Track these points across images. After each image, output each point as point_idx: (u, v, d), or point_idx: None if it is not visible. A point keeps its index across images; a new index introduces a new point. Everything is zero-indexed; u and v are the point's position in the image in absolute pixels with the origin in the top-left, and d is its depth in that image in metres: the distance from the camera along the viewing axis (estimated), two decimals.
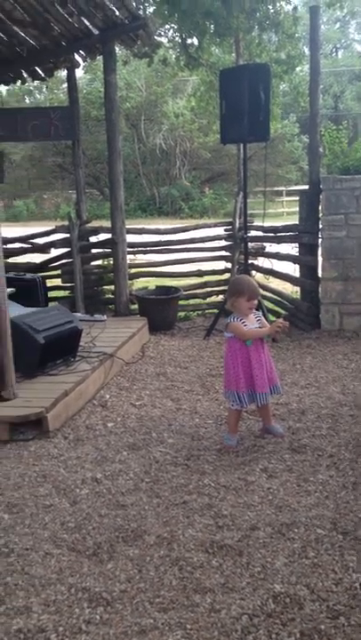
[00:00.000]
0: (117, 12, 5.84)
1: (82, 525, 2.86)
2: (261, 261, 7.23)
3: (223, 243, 7.12)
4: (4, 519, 2.95)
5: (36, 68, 6.96)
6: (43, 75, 7.07)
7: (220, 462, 3.52)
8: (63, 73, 7.35)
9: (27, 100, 27.62)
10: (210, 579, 2.43)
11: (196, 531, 2.77)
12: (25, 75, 7.08)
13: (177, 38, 10.25)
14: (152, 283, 7.45)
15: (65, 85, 11.16)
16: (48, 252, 7.29)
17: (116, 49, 6.71)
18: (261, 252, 7.13)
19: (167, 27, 10.27)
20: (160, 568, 2.52)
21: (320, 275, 6.23)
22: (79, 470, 3.46)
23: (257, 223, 7.18)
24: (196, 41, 9.57)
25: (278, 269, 6.96)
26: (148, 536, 2.75)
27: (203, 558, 2.56)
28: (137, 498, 3.11)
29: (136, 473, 3.39)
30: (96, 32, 6.22)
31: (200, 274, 7.30)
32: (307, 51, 9.17)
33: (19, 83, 7.33)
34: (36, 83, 8.84)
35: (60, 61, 6.85)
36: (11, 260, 7.10)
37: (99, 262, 7.24)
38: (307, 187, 6.43)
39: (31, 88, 26.41)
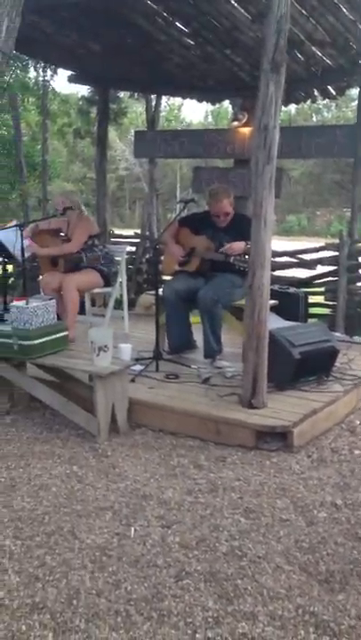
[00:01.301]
0: None
1: (316, 548, 2.81)
2: None
3: None
4: (240, 522, 3.03)
5: (328, 87, 7.01)
6: (334, 93, 7.10)
7: None
8: (354, 91, 7.30)
9: (313, 118, 28.09)
10: None
11: None
12: (316, 93, 7.18)
13: None
14: None
15: (354, 103, 11.08)
16: (314, 269, 7.30)
17: None
18: None
19: None
20: None
21: None
22: (319, 492, 3.40)
23: None
24: None
25: None
26: None
27: None
28: None
29: None
30: None
31: None
32: None
33: (308, 101, 7.47)
34: (326, 101, 8.90)
35: (354, 80, 6.80)
36: (276, 272, 7.26)
37: None
38: None
39: (320, 106, 26.78)
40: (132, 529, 2.96)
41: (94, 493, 3.33)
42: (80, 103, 13.14)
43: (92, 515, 3.10)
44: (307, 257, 7.40)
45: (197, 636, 2.22)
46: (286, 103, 7.67)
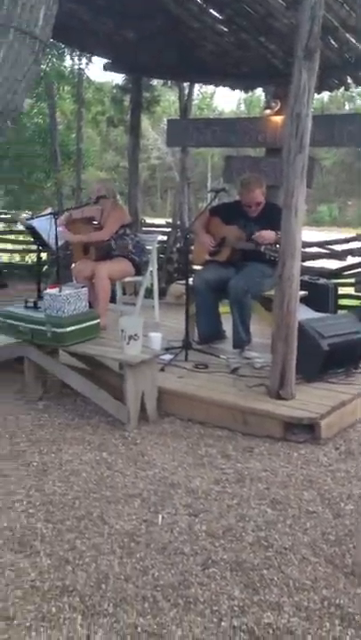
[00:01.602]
0: None
1: (342, 541, 2.82)
2: None
3: None
4: (267, 513, 3.05)
5: None
6: None
7: None
8: None
9: (346, 107, 27.65)
10: None
11: None
12: (349, 81, 7.07)
13: None
14: None
15: None
16: (344, 260, 7.24)
17: None
18: None
19: None
20: None
21: None
22: (346, 484, 3.39)
23: None
24: None
25: None
26: None
27: None
28: None
29: None
30: None
31: None
32: None
33: (342, 89, 7.35)
34: (359, 88, 8.77)
35: None
36: (306, 263, 7.20)
37: None
38: None
39: (353, 94, 26.36)
40: (160, 516, 3.00)
41: (123, 480, 3.38)
42: (114, 91, 13.13)
43: (120, 501, 3.15)
44: (337, 248, 7.34)
45: (223, 624, 2.25)
46: (319, 91, 7.55)
